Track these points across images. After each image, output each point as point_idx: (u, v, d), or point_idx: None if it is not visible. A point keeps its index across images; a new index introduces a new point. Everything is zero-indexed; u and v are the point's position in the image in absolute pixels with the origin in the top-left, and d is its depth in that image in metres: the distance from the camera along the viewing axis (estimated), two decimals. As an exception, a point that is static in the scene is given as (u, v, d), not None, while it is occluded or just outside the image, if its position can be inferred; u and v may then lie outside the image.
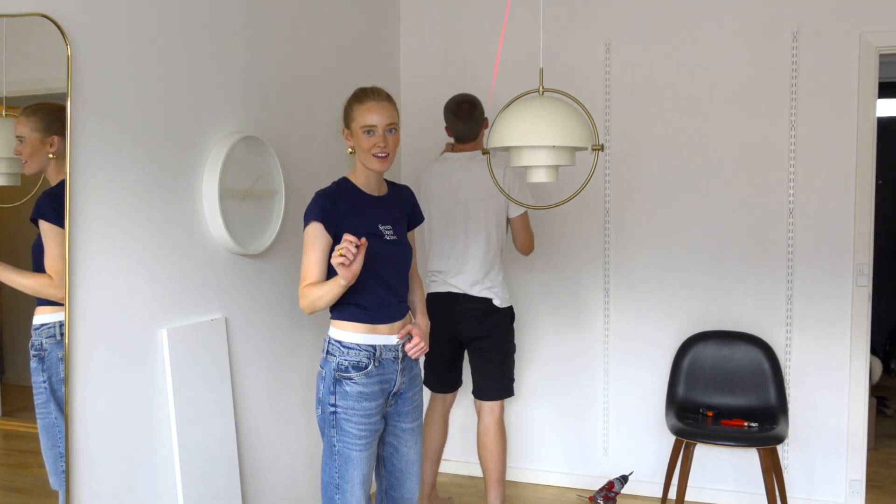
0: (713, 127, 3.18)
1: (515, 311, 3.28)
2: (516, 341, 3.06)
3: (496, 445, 2.87)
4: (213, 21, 2.33)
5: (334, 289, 1.97)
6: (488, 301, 2.86)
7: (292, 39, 2.75)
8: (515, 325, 3.03)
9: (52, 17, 1.78)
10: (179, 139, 2.20)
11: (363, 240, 1.92)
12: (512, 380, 2.97)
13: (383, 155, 2.06)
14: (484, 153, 2.19)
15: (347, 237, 1.89)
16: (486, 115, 2.97)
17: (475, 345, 2.92)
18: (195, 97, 2.26)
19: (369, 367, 2.07)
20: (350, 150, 2.11)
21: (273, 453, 2.63)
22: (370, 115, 2.05)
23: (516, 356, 3.07)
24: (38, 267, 1.83)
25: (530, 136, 2.01)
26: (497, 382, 2.90)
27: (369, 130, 2.05)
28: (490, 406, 2.90)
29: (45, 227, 1.83)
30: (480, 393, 2.93)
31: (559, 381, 3.43)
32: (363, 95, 2.10)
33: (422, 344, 2.15)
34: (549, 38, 3.23)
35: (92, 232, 1.91)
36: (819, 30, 3.03)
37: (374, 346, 2.08)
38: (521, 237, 2.93)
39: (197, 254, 2.27)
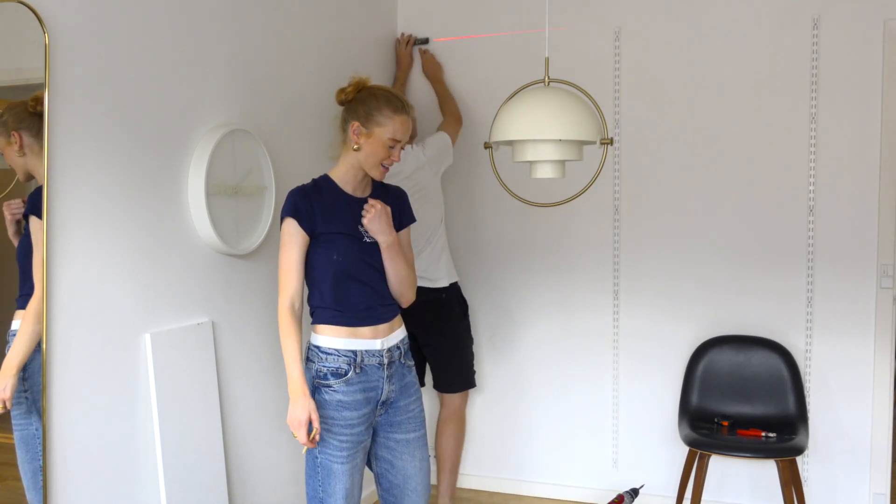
0: (729, 119, 3.13)
1: (518, 313, 3.27)
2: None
3: (452, 435, 3.06)
4: (199, 8, 2.30)
5: (288, 367, 1.99)
6: (428, 289, 2.98)
7: (283, 27, 2.72)
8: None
9: (29, 4, 1.74)
10: (164, 132, 2.18)
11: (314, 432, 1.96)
12: (472, 371, 3.14)
13: (389, 167, 2.09)
14: (486, 147, 2.15)
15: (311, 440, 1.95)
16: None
17: (425, 339, 3.02)
18: (180, 88, 2.23)
19: (349, 374, 2.01)
20: (356, 146, 2.03)
21: (262, 463, 2.60)
22: (400, 131, 2.04)
23: (475, 348, 3.27)
24: (24, 270, 1.80)
25: (535, 129, 1.99)
26: (456, 374, 3.07)
27: (394, 145, 2.04)
28: (449, 398, 3.08)
29: (36, 226, 1.80)
30: (441, 386, 3.09)
31: (565, 388, 3.39)
32: (400, 106, 2.04)
33: (375, 211, 2.01)
34: (556, 26, 3.20)
35: (70, 230, 1.88)
36: (841, 16, 2.98)
37: (354, 352, 2.02)
38: (451, 122, 3.24)
39: (182, 254, 2.25)
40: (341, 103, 2.08)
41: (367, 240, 2.06)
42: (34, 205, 1.80)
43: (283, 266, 2.01)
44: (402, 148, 2.07)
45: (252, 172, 2.45)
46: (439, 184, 3.11)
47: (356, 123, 2.02)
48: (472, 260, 3.46)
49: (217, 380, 2.34)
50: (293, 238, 2.00)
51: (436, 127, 3.31)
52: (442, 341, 3.03)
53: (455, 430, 3.05)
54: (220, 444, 2.33)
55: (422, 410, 2.17)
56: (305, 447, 1.96)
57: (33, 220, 1.79)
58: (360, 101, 2.03)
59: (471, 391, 3.19)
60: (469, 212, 3.44)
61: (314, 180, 2.10)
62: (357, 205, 2.08)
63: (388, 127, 2.00)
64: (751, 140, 3.10)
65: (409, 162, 3.01)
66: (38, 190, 1.80)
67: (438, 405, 3.20)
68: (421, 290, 2.86)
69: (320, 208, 2.02)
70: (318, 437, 1.95)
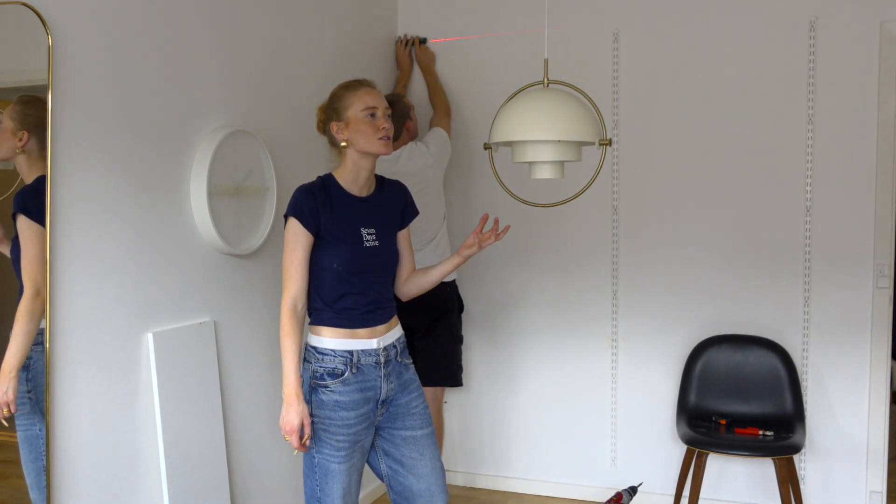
0: (726, 121, 3.14)
1: (517, 312, 3.26)
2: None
3: None
4: (201, 10, 2.31)
5: (285, 369, 1.97)
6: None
7: (284, 30, 2.72)
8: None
9: (33, 6, 1.75)
10: (166, 133, 2.18)
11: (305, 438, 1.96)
12: (459, 369, 3.12)
13: (388, 137, 2.03)
14: (486, 148, 2.14)
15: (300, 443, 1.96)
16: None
17: (424, 331, 3.00)
18: (183, 89, 2.24)
19: (346, 374, 1.99)
20: (344, 143, 2.03)
21: (264, 462, 2.60)
22: (368, 99, 2.02)
23: (464, 347, 3.25)
24: (19, 271, 1.79)
25: (534, 130, 1.98)
26: (438, 368, 3.02)
27: (373, 113, 2.00)
28: (433, 392, 3.01)
29: (24, 224, 1.77)
30: (425, 379, 2.99)
31: (564, 387, 3.39)
32: (353, 84, 2.05)
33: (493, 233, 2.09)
34: (555, 28, 3.20)
35: (74, 231, 1.88)
36: (838, 19, 2.99)
37: (350, 352, 2.00)
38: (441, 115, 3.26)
39: (184, 254, 2.25)
40: (324, 130, 2.09)
41: (368, 244, 2.04)
42: (20, 203, 1.77)
43: (286, 266, 1.99)
44: (389, 116, 2.04)
45: (253, 173, 2.45)
46: (442, 181, 3.12)
47: (333, 124, 2.03)
48: (472, 259, 3.40)
49: (219, 379, 2.34)
50: (297, 238, 1.98)
51: (429, 119, 3.32)
52: (438, 335, 3.02)
53: (436, 429, 3.00)
54: (221, 443, 2.33)
55: (426, 408, 2.12)
56: (297, 451, 1.96)
57: (20, 218, 1.77)
58: (325, 110, 2.07)
59: (472, 390, 3.18)
60: (469, 212, 3.44)
61: (321, 178, 2.06)
62: (361, 205, 2.06)
63: (354, 103, 2.00)
64: (748, 141, 3.10)
65: (418, 159, 3.01)
66: (25, 189, 1.78)
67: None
68: None
69: (325, 210, 2.00)
70: (308, 443, 1.95)
